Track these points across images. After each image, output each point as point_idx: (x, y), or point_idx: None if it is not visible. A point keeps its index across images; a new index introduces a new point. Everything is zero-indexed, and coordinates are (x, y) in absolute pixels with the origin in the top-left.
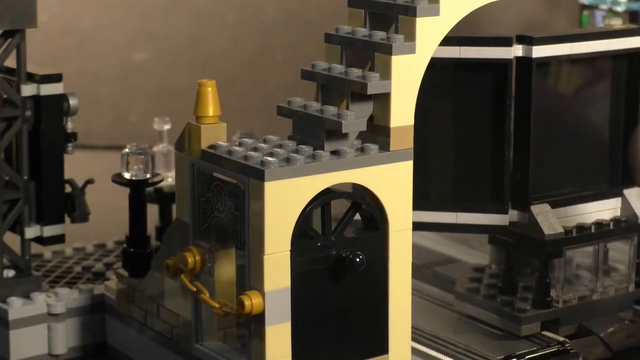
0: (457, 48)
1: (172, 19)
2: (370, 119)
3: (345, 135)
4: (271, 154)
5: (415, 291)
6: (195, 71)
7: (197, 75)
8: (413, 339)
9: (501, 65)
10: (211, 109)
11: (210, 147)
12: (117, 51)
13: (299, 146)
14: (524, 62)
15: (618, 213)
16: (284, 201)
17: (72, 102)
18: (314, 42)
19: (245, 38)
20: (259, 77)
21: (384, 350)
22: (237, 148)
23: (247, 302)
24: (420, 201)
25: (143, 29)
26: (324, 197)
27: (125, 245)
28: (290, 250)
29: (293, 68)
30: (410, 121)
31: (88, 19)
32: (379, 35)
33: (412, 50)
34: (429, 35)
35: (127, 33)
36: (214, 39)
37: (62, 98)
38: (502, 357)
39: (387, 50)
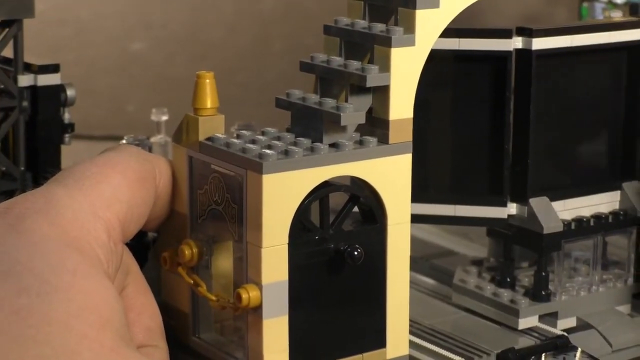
0: (456, 40)
1: (171, 9)
2: (369, 111)
3: (344, 128)
4: (269, 147)
5: (412, 284)
6: (193, 61)
7: (195, 65)
8: (410, 332)
9: (501, 57)
10: (209, 100)
11: (208, 139)
12: (114, 41)
13: (298, 139)
14: (524, 54)
15: (617, 206)
16: (282, 194)
17: (70, 92)
18: (312, 33)
19: (243, 28)
20: (257, 68)
21: (382, 343)
22: (235, 140)
23: (244, 295)
24: (418, 193)
25: (141, 19)
26: (322, 190)
27: None
28: (288, 243)
29: (291, 58)
30: (410, 114)
31: (85, 8)
32: (379, 27)
33: (411, 43)
34: (429, 27)
35: (125, 22)
36: (212, 29)
37: (60, 88)
38: (500, 350)
39: (387, 42)
